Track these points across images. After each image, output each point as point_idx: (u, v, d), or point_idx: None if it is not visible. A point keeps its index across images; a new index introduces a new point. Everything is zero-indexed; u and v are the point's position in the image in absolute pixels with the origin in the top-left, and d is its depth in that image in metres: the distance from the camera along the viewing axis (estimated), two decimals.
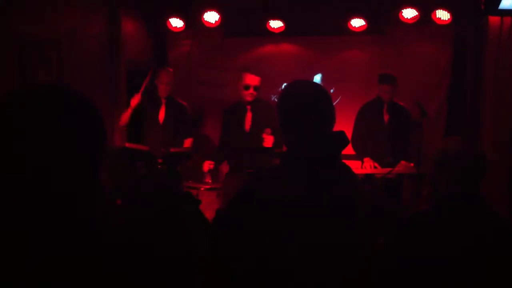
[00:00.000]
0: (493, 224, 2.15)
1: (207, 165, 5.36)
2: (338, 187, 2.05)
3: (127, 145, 5.47)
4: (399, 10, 6.15)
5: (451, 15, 6.05)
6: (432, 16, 6.11)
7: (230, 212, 2.04)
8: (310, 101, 2.08)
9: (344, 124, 5.85)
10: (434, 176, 2.23)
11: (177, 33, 6.88)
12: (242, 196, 2.04)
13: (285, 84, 2.21)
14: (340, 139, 2.09)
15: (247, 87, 5.10)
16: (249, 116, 5.17)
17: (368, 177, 5.21)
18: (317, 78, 7.00)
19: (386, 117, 5.47)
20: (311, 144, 2.03)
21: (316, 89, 2.14)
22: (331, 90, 6.96)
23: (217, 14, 6.46)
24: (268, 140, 4.81)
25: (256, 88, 5.09)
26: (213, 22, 6.54)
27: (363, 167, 5.34)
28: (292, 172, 1.99)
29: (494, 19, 6.14)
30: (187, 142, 5.70)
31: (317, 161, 2.02)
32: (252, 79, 5.11)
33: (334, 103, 2.10)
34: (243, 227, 1.95)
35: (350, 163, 5.48)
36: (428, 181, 2.26)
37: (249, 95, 5.11)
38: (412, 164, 5.09)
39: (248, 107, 5.17)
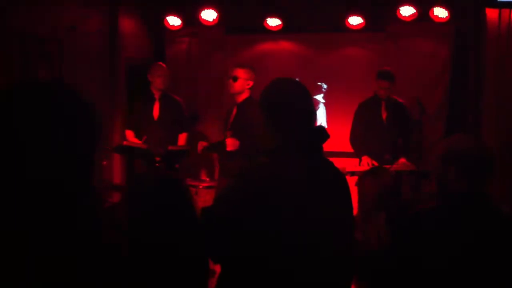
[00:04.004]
0: (501, 223, 2.12)
1: (201, 145, 5.21)
2: (332, 180, 2.06)
3: (125, 143, 5.43)
4: (397, 7, 6.16)
5: (449, 12, 6.06)
6: (430, 13, 6.12)
7: (228, 212, 1.99)
8: (299, 97, 2.08)
9: (344, 121, 5.89)
10: (440, 173, 2.19)
11: (175, 30, 6.88)
12: (240, 194, 2.00)
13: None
14: (324, 133, 2.09)
15: (227, 78, 4.89)
16: (232, 115, 4.90)
17: None
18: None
19: (384, 115, 5.46)
20: (303, 139, 2.03)
21: (301, 86, 2.14)
22: (324, 87, 6.99)
23: (214, 12, 6.45)
24: (229, 144, 4.63)
25: (234, 79, 4.77)
26: (211, 20, 6.53)
27: (361, 164, 5.34)
28: (291, 168, 1.98)
29: (492, 12, 6.15)
30: (182, 138, 5.67)
31: (311, 156, 2.03)
32: (231, 71, 4.86)
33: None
34: (243, 226, 1.93)
35: (348, 160, 5.57)
36: (432, 178, 2.23)
37: (228, 86, 4.86)
38: (409, 163, 5.10)
39: (235, 106, 4.91)
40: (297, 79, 2.24)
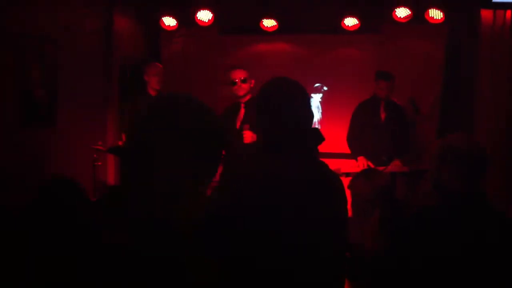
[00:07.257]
0: (501, 222, 2.13)
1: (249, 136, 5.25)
2: (321, 181, 2.01)
3: (120, 143, 5.45)
4: (392, 9, 6.17)
5: (444, 13, 6.07)
6: (425, 15, 6.14)
7: (217, 212, 1.94)
8: (291, 97, 2.04)
9: (340, 122, 5.90)
10: (436, 173, 2.19)
11: (170, 31, 6.87)
12: (221, 193, 1.98)
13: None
14: (318, 136, 2.06)
15: (233, 83, 5.04)
16: (241, 113, 5.08)
17: None
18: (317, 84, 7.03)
19: (383, 115, 5.48)
20: (291, 139, 2.00)
21: (297, 86, 2.09)
22: (324, 88, 7.00)
23: (210, 12, 6.44)
24: (246, 137, 4.81)
25: (243, 81, 4.99)
26: (206, 21, 6.52)
27: (357, 165, 5.35)
28: (273, 167, 1.95)
29: (486, 14, 6.18)
30: None
31: (300, 156, 2.00)
32: (236, 74, 5.05)
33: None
34: (233, 226, 1.91)
35: (344, 161, 5.57)
36: (427, 178, 2.23)
37: (238, 89, 5.02)
38: (403, 165, 5.12)
39: (242, 104, 5.07)
40: (294, 80, 2.19)
